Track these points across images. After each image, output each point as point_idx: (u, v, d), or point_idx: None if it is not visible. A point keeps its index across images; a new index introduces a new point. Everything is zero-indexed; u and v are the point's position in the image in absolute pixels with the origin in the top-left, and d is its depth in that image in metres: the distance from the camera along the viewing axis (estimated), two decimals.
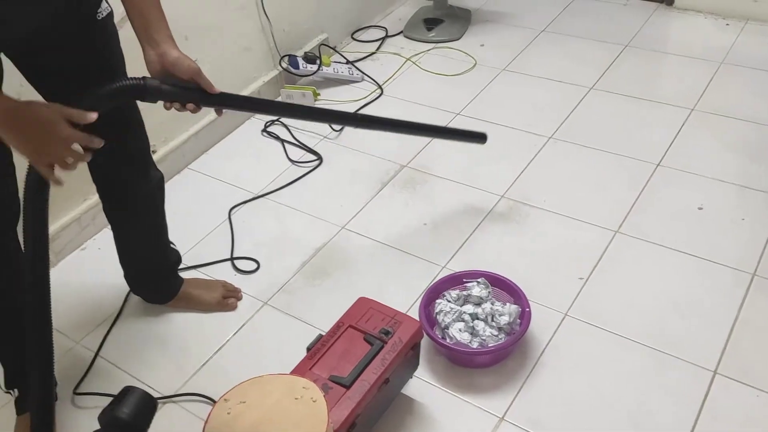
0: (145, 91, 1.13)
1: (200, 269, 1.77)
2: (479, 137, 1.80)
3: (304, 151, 2.14)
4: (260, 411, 1.08)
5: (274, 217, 1.92)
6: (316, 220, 1.89)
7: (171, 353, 1.57)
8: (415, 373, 1.42)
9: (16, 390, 1.38)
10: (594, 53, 2.44)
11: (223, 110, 1.25)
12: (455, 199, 1.90)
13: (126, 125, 1.34)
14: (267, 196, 1.99)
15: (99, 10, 1.19)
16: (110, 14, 1.23)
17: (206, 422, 1.07)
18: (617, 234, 1.72)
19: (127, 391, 1.05)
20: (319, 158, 2.10)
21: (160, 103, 1.16)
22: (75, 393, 1.49)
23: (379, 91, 2.37)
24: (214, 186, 2.05)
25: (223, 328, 1.61)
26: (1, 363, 1.40)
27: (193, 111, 1.18)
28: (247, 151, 2.18)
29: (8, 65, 1.18)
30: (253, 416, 1.07)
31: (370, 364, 1.23)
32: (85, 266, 1.82)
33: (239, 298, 1.67)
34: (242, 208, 1.96)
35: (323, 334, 1.32)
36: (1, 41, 1.12)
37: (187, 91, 1.16)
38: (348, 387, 1.20)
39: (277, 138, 2.20)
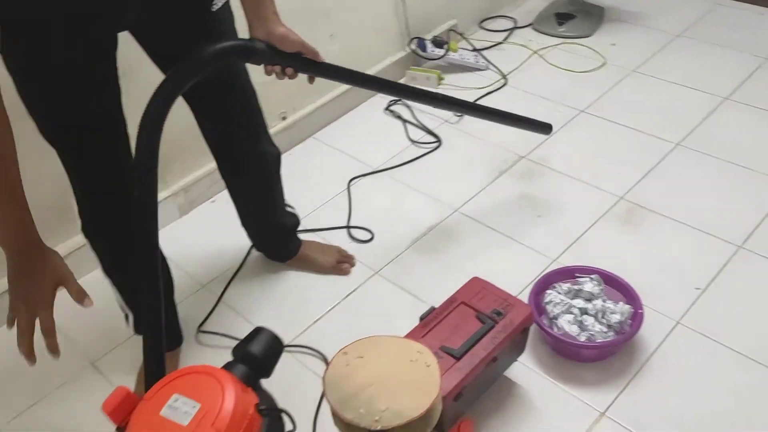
0: (252, 51, 1.20)
1: (318, 233, 1.86)
2: (545, 127, 1.80)
3: (424, 133, 2.19)
4: (376, 367, 1.14)
5: (390, 193, 1.99)
6: (431, 200, 1.94)
7: (285, 307, 1.67)
8: (520, 359, 1.45)
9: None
10: (731, 63, 2.35)
11: (346, 85, 1.33)
12: (572, 195, 1.90)
13: (231, 89, 1.40)
14: (385, 172, 2.06)
15: (213, 2, 1.24)
16: (226, 3, 1.28)
17: (326, 371, 1.14)
18: (740, 249, 1.67)
19: (259, 331, 1.13)
20: (439, 141, 2.14)
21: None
22: (199, 330, 1.61)
23: (503, 81, 2.38)
24: (336, 157, 2.14)
25: (336, 290, 1.69)
26: (130, 307, 1.45)
27: (291, 76, 1.26)
28: (370, 127, 2.26)
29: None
30: (370, 371, 1.13)
31: (480, 341, 1.27)
32: (214, 217, 1.96)
33: (352, 265, 1.75)
34: (361, 180, 2.04)
35: (435, 307, 1.37)
36: (115, 25, 1.19)
37: (291, 56, 1.23)
38: (458, 359, 1.24)
39: (399, 117, 2.27)
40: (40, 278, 1.05)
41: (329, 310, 1.64)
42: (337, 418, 1.14)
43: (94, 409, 1.20)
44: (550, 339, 1.45)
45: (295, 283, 1.73)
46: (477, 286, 1.39)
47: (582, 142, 2.08)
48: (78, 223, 1.34)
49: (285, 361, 1.53)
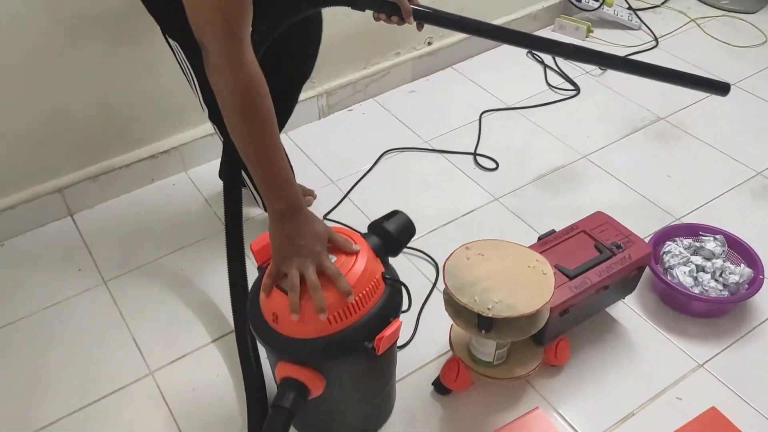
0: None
1: (445, 155, 1.93)
2: (721, 88, 1.64)
3: (563, 80, 2.20)
4: (495, 266, 1.21)
5: (520, 130, 2.02)
6: (559, 143, 1.96)
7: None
8: (627, 299, 1.48)
9: None
10: None
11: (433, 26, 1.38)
12: (707, 162, 1.86)
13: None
14: (519, 110, 2.09)
15: None
16: None
17: (447, 260, 1.22)
18: None
19: (397, 212, 1.22)
20: (577, 90, 2.14)
21: None
22: (324, 218, 1.74)
23: (653, 42, 2.33)
24: (472, 89, 2.19)
25: (455, 208, 1.76)
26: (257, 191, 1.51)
27: (398, 23, 1.33)
28: (509, 66, 2.28)
29: None
30: (488, 268, 1.20)
31: (595, 267, 1.31)
32: (349, 125, 2.06)
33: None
34: (493, 114, 2.08)
35: (556, 230, 1.41)
36: None
37: (389, 4, 1.31)
38: (571, 278, 1.29)
39: (541, 62, 2.27)
40: (310, 241, 1.04)
41: (445, 224, 1.72)
42: (451, 302, 1.22)
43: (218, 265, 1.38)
44: (661, 286, 1.47)
45: (416, 194, 1.81)
46: (600, 219, 1.42)
47: (726, 114, 2.02)
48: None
49: (398, 261, 1.64)
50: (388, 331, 1.04)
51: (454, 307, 1.22)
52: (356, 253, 1.07)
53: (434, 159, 1.93)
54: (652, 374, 1.36)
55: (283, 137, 2.03)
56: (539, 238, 1.40)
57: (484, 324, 1.17)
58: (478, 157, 1.92)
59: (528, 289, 1.17)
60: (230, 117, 1.00)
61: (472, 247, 1.25)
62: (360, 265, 1.06)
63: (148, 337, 1.48)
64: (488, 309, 1.13)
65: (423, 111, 2.10)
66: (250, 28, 1.00)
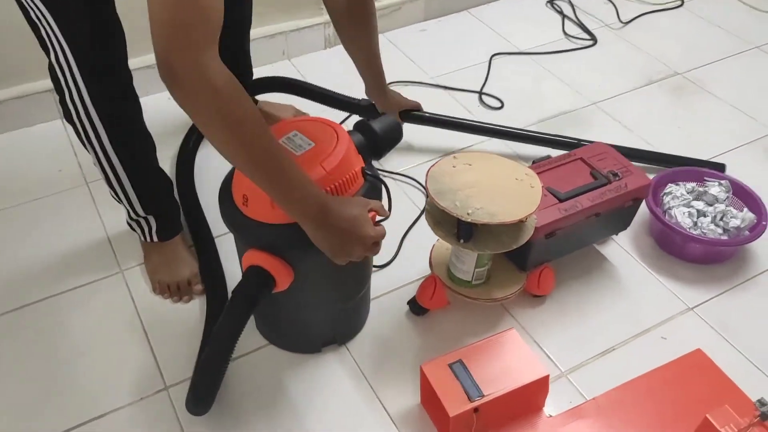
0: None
1: (449, 92, 1.87)
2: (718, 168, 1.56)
3: (581, 30, 2.12)
4: (481, 176, 1.15)
5: (530, 75, 1.95)
6: (569, 90, 1.88)
7: (399, 146, 1.70)
8: (618, 237, 1.41)
9: (151, 217, 1.32)
10: None
11: None
12: (721, 118, 1.78)
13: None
14: (531, 56, 2.01)
15: None
16: None
17: (431, 167, 1.17)
18: None
19: (385, 114, 1.17)
20: (594, 40, 2.07)
21: None
22: None
23: (679, 2, 2.24)
24: (485, 33, 2.12)
25: (455, 140, 1.70)
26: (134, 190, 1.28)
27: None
28: (527, 14, 2.20)
29: None
30: (474, 177, 1.14)
31: (588, 193, 1.24)
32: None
33: None
34: (504, 57, 2.01)
35: (552, 156, 1.35)
36: None
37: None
38: (561, 201, 1.23)
39: (560, 12, 2.20)
40: (350, 228, 0.96)
41: (442, 155, 1.66)
42: (432, 211, 1.17)
43: None
44: (657, 226, 1.40)
45: (416, 126, 1.75)
46: (600, 149, 1.36)
47: (747, 75, 1.94)
48: None
49: (388, 185, 1.60)
50: (374, 218, 0.99)
51: (434, 215, 1.16)
52: (386, 217, 1.04)
53: (438, 95, 1.86)
54: (638, 313, 1.30)
55: (286, 63, 1.98)
56: (533, 162, 1.34)
57: (464, 231, 1.11)
58: (483, 96, 1.85)
59: (513, 199, 1.11)
60: (213, 130, 0.82)
61: (461, 156, 1.19)
62: (339, 153, 1.00)
63: (122, 238, 1.44)
64: (468, 214, 1.07)
65: (432, 49, 2.04)
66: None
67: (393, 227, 1.45)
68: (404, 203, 1.53)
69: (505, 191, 1.12)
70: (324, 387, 1.18)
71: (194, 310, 1.30)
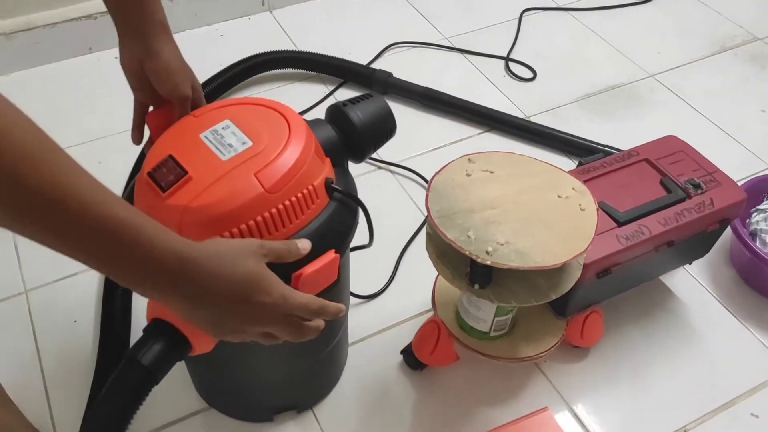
0: None
1: (468, 56, 1.49)
2: None
3: None
4: (508, 189, 0.79)
5: (570, 35, 1.56)
6: (620, 56, 1.49)
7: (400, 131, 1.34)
8: (691, 266, 1.05)
9: None
10: None
11: None
12: None
13: None
14: (571, 12, 1.62)
15: None
16: None
17: (435, 175, 0.81)
18: None
19: (370, 96, 0.80)
20: None
21: None
22: None
23: None
24: None
25: (466, 129, 1.33)
26: None
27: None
28: None
29: None
30: (497, 191, 0.78)
31: (658, 212, 0.88)
32: (351, 8, 1.62)
33: None
34: (538, 14, 1.61)
35: (605, 156, 0.98)
36: None
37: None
38: (620, 224, 0.87)
39: None
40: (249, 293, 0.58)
41: (455, 142, 1.29)
42: (434, 238, 0.81)
43: None
44: (743, 255, 1.03)
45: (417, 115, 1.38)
46: (673, 145, 0.98)
47: None
48: None
49: (384, 181, 1.24)
50: (310, 268, 0.64)
51: (437, 244, 0.81)
52: (302, 256, 0.63)
53: (454, 60, 1.48)
54: (718, 375, 0.95)
55: (265, 16, 1.60)
56: (579, 164, 0.97)
57: (479, 275, 0.76)
58: (511, 63, 1.47)
59: (554, 229, 0.75)
60: None
61: (479, 159, 0.83)
62: (288, 158, 0.65)
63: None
64: (487, 253, 0.71)
65: (447, 1, 1.65)
66: None
67: (388, 240, 1.10)
68: (406, 207, 1.17)
69: (544, 215, 0.76)
70: None
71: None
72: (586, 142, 1.25)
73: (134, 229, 0.49)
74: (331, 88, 1.39)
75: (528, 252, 0.72)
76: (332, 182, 0.70)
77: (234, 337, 0.61)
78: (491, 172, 0.81)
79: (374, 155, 1.25)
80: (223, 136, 0.66)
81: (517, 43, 1.52)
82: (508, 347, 0.89)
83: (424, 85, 1.36)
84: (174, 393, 0.91)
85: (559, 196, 0.79)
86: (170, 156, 0.63)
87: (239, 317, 0.58)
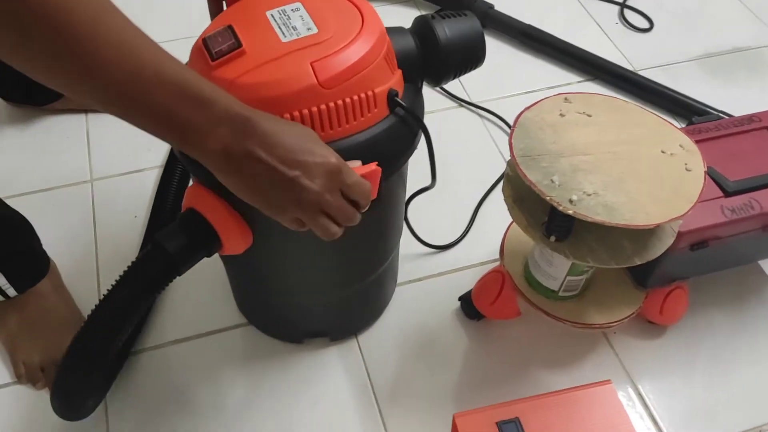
0: None
1: (582, 3, 1.37)
2: None
3: None
4: (606, 136, 0.70)
5: None
6: (751, 16, 1.33)
7: (488, 69, 1.25)
8: None
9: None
10: None
11: None
12: None
13: None
14: None
15: None
16: None
17: (525, 110, 0.73)
18: None
19: (464, 14, 0.71)
20: None
21: None
22: None
23: None
24: None
25: (564, 75, 1.23)
26: None
27: None
28: None
29: None
30: (593, 136, 0.70)
31: None
32: None
33: None
34: None
35: (721, 116, 0.87)
36: None
37: None
38: (728, 194, 0.77)
39: None
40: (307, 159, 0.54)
41: (550, 87, 1.19)
42: (513, 179, 0.74)
43: None
44: None
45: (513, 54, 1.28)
46: None
47: None
48: None
49: (466, 116, 1.17)
50: (357, 170, 0.58)
51: (515, 187, 0.73)
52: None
53: (565, 2, 1.36)
54: None
55: None
56: (690, 123, 0.87)
57: (558, 226, 0.68)
58: (626, 10, 1.34)
59: (651, 186, 0.66)
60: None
61: (576, 100, 0.74)
62: (353, 53, 0.58)
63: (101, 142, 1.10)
64: (570, 201, 0.64)
65: None
66: None
67: (464, 189, 1.03)
68: (484, 150, 1.10)
69: (642, 169, 0.67)
70: (310, 388, 0.83)
71: None
72: (702, 106, 1.12)
73: (183, 81, 0.48)
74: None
75: (618, 207, 0.64)
76: (396, 95, 0.63)
77: (286, 217, 0.56)
78: (589, 116, 0.72)
79: (460, 91, 1.17)
80: (290, 18, 0.60)
81: None
82: (576, 310, 0.81)
83: (527, 23, 1.26)
84: (220, 305, 0.89)
85: (663, 152, 0.69)
86: (229, 26, 0.58)
87: (298, 175, 0.52)
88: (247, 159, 0.51)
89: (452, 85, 1.17)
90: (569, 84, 1.20)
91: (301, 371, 0.85)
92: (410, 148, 0.66)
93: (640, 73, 1.21)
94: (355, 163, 0.59)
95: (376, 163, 0.60)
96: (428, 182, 0.72)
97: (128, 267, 0.59)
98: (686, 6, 1.36)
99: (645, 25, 1.31)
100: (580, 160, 0.68)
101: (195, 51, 0.61)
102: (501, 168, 1.06)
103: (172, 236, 0.59)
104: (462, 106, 1.16)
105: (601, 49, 1.24)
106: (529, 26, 1.25)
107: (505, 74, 1.21)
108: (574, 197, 0.64)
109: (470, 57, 0.71)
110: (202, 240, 0.59)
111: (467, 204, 1.02)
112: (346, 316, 0.86)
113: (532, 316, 0.85)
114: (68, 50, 0.43)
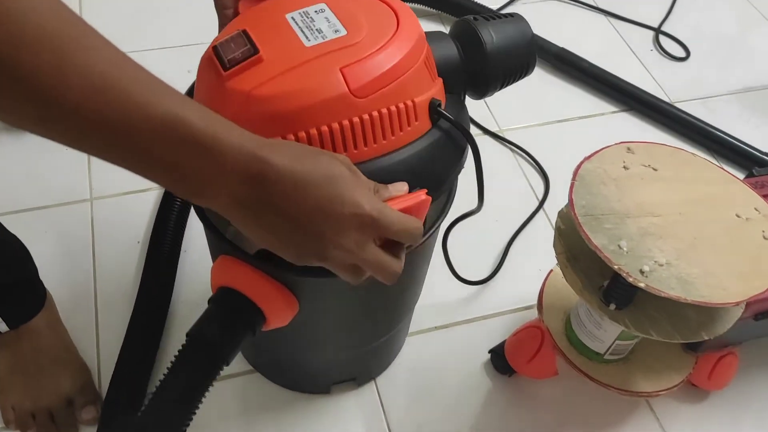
0: None
1: (613, 20, 1.30)
2: None
3: None
4: (672, 195, 0.63)
5: (738, 15, 1.34)
6: None
7: (526, 98, 1.17)
8: None
9: None
10: None
11: None
12: None
13: None
14: None
15: None
16: None
17: (584, 161, 0.66)
18: None
19: (514, 16, 0.63)
20: None
21: None
22: None
23: None
24: None
25: (599, 104, 1.16)
26: None
27: None
28: None
29: None
30: (657, 195, 0.63)
31: None
32: None
33: None
34: None
35: None
36: None
37: None
38: None
39: None
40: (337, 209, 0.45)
41: (578, 118, 1.12)
42: (567, 237, 0.67)
43: None
44: None
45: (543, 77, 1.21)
46: None
47: None
48: None
49: (491, 144, 1.10)
50: (402, 202, 0.49)
51: (570, 245, 0.66)
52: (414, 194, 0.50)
53: (596, 22, 1.30)
54: None
55: None
56: (750, 174, 0.80)
57: (620, 295, 0.62)
58: (661, 37, 1.27)
59: (728, 257, 0.59)
60: None
61: (639, 150, 0.67)
62: (388, 55, 0.50)
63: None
64: (641, 273, 0.57)
65: None
66: None
67: (491, 225, 0.96)
68: (513, 183, 1.03)
69: (716, 236, 0.61)
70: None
71: None
72: (747, 147, 1.06)
73: (207, 123, 0.39)
74: None
75: (693, 281, 0.57)
76: (440, 104, 0.54)
77: (316, 258, 0.46)
78: (654, 170, 0.66)
79: (487, 115, 1.10)
80: (314, 20, 0.52)
81: (671, 14, 1.31)
82: (622, 376, 0.75)
83: (560, 45, 1.19)
84: None
85: (737, 216, 0.63)
86: (243, 31, 0.50)
87: (324, 230, 0.44)
88: (263, 211, 0.43)
89: (478, 108, 1.10)
90: (603, 114, 1.14)
91: (322, 420, 0.78)
92: (457, 166, 0.58)
93: (677, 105, 1.15)
94: (401, 188, 0.50)
95: (425, 191, 0.51)
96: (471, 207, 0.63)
97: (171, 367, 0.50)
98: (724, 33, 1.30)
99: (681, 53, 1.25)
100: (648, 222, 0.61)
101: (204, 61, 0.52)
102: (531, 202, 1.00)
103: (210, 323, 0.51)
104: (486, 134, 1.09)
105: (635, 76, 1.18)
106: (563, 49, 1.18)
107: (535, 99, 1.14)
108: (646, 268, 0.57)
109: (520, 64, 0.61)
110: (244, 320, 0.51)
111: (495, 242, 0.95)
112: (374, 359, 0.79)
113: (567, 374, 0.78)
114: (29, 93, 0.34)
